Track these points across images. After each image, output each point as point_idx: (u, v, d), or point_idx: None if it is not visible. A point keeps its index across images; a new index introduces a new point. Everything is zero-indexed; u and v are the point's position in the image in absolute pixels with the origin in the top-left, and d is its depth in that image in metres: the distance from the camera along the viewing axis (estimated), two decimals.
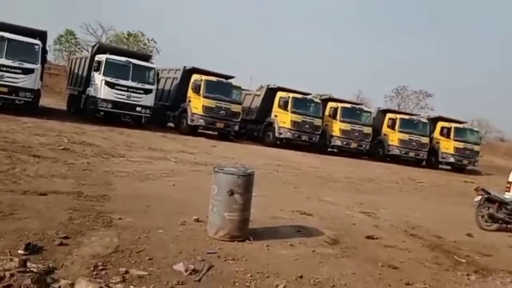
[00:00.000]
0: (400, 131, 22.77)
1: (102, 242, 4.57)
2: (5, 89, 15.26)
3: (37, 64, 15.93)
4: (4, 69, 15.19)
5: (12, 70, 15.36)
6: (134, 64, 17.96)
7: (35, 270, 3.25)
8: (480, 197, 9.06)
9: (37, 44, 16.07)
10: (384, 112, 24.92)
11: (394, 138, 22.95)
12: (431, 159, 23.93)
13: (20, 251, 3.83)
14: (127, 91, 17.64)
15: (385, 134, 23.53)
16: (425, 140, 23.31)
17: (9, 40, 15.37)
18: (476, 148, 24.09)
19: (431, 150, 23.67)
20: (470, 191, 10.78)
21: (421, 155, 23.42)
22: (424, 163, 24.03)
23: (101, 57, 17.74)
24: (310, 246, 5.59)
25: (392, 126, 23.15)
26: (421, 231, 7.62)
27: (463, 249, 6.77)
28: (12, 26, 16.21)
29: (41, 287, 3.15)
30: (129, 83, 17.70)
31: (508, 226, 8.81)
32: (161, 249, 4.67)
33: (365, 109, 24.98)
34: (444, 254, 6.33)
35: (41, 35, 16.94)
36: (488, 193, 9.03)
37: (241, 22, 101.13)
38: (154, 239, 4.95)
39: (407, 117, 24.34)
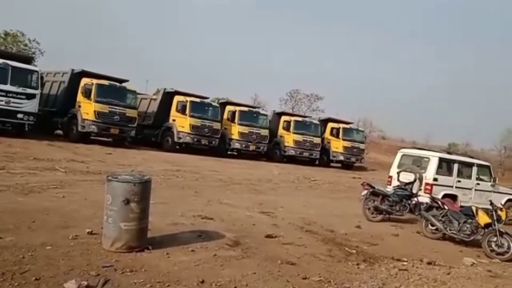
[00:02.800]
0: (294, 133, 23.88)
1: None
2: None
3: None
4: None
5: None
6: (13, 67, 16.24)
7: None
8: (366, 191, 9.91)
9: None
10: (279, 114, 25.94)
11: (289, 139, 24.00)
12: (323, 158, 25.52)
13: None
14: (5, 96, 15.89)
15: (281, 136, 24.49)
16: (317, 140, 24.78)
17: None
18: (362, 146, 26.32)
19: (323, 150, 25.23)
20: (358, 186, 11.72)
21: (314, 154, 24.81)
22: (317, 162, 25.51)
23: None
24: (212, 250, 5.58)
25: (287, 128, 24.19)
26: (315, 226, 8.07)
27: (353, 241, 7.32)
28: None
29: None
30: (8, 87, 15.97)
31: (391, 216, 9.77)
32: (50, 267, 4.30)
33: (262, 112, 25.73)
34: (336, 246, 6.79)
35: None
36: (373, 187, 9.92)
37: (134, 23, 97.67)
38: (41, 257, 4.54)
39: (300, 119, 25.57)
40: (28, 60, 19.43)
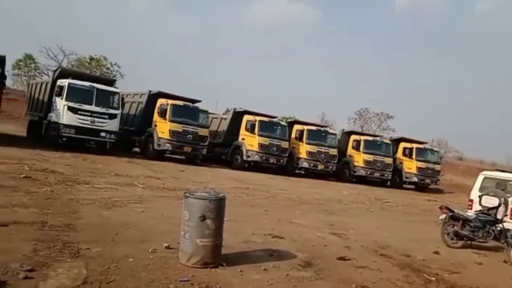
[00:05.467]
0: (364, 152, 23.31)
1: (69, 274, 4.37)
2: None
3: None
4: None
5: None
6: (98, 89, 17.64)
7: None
8: (444, 215, 9.34)
9: None
10: (348, 134, 25.50)
11: (359, 159, 23.45)
12: (395, 179, 24.60)
13: None
14: (90, 116, 17.27)
15: (350, 156, 24.01)
16: (389, 160, 23.95)
17: None
18: (437, 167, 24.99)
19: (395, 170, 24.34)
20: (434, 210, 11.12)
21: (385, 175, 24.01)
22: (389, 183, 24.62)
23: (63, 82, 17.33)
24: (284, 270, 5.55)
25: (357, 148, 23.67)
26: (390, 250, 7.74)
27: (432, 267, 6.91)
28: None
29: None
30: (93, 108, 17.35)
31: (473, 242, 9.10)
32: (132, 278, 4.52)
33: (330, 131, 25.45)
34: (414, 272, 6.45)
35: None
36: (452, 211, 9.32)
37: (203, 47, 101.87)
38: (124, 268, 4.78)
39: (371, 138, 24.94)
40: (111, 82, 20.99)
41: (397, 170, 24.49)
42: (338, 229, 9.04)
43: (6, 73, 18.74)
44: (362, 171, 23.40)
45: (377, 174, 23.64)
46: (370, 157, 23.30)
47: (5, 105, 25.45)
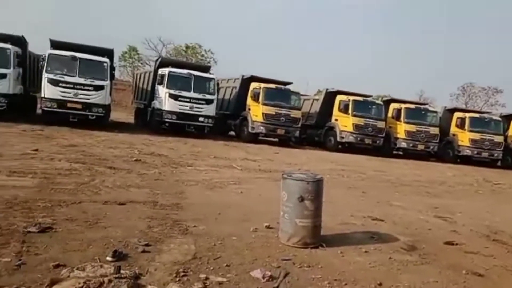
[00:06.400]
0: (470, 131, 21.59)
1: (180, 249, 4.71)
2: (79, 106, 16.32)
3: (106, 80, 16.88)
4: (78, 87, 16.25)
5: (85, 87, 16.40)
6: (195, 76, 18.52)
7: (127, 276, 3.41)
8: None
9: (105, 62, 17.04)
10: (451, 111, 23.77)
11: (464, 138, 21.78)
12: (507, 159, 22.49)
13: (108, 258, 4.04)
14: (189, 102, 18.23)
15: (454, 134, 22.39)
16: (499, 139, 21.91)
17: (81, 59, 16.44)
18: None
19: (506, 150, 22.19)
20: None
21: (495, 155, 22.02)
22: (499, 163, 22.56)
23: (164, 71, 18.47)
24: (386, 253, 5.40)
25: (461, 126, 22.01)
26: (504, 236, 7.11)
27: None
28: (82, 46, 17.34)
29: None
30: (192, 94, 18.28)
31: None
32: (237, 256, 4.72)
33: (431, 109, 23.96)
34: None
35: (109, 53, 17.96)
36: None
37: (290, 28, 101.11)
38: (228, 246, 5.02)
39: (477, 115, 23.01)
40: (206, 69, 21.88)
41: (509, 150, 22.29)
42: (443, 212, 8.52)
43: (114, 65, 20.50)
44: (467, 150, 21.71)
45: (485, 154, 21.77)
46: (476, 136, 21.52)
47: (114, 95, 27.93)
